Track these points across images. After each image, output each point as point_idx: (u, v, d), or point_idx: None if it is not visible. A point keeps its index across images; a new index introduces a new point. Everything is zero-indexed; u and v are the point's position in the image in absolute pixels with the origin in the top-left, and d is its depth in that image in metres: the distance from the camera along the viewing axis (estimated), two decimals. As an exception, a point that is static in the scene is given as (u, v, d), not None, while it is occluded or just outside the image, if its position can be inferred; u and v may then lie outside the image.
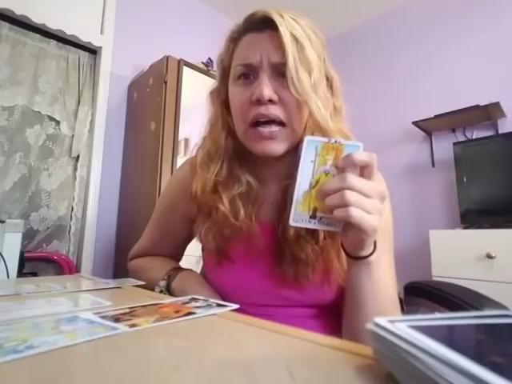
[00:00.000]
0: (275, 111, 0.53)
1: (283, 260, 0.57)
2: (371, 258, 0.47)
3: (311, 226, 0.44)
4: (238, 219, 0.58)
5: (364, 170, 0.42)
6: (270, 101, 0.52)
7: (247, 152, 0.59)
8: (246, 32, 0.57)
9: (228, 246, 0.61)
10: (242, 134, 0.57)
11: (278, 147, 0.55)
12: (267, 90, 0.52)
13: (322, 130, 0.53)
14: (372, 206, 0.41)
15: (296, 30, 0.52)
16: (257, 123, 0.54)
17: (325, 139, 0.44)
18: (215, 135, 0.61)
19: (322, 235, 0.56)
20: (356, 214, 0.39)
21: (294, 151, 0.56)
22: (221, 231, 0.60)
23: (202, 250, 0.72)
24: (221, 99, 0.62)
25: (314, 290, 0.58)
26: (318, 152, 0.44)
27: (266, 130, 0.53)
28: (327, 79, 0.58)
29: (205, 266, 0.69)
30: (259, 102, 0.52)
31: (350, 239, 0.45)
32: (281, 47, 0.51)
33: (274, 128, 0.54)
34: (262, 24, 0.54)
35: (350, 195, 0.39)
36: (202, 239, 0.63)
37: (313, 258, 0.56)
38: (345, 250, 0.48)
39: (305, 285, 0.57)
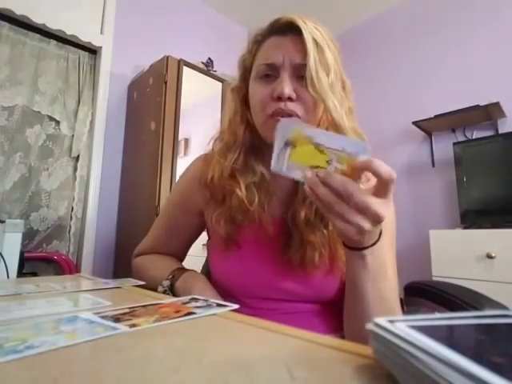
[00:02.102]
0: (293, 107, 0.57)
1: (291, 245, 0.60)
2: (367, 251, 0.46)
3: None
4: (252, 205, 0.61)
5: (378, 185, 0.39)
6: (289, 98, 0.56)
7: (262, 146, 0.64)
8: (270, 35, 0.61)
9: (238, 232, 0.64)
10: (260, 124, 0.61)
11: None
12: (287, 88, 0.56)
13: (337, 127, 0.56)
14: (356, 222, 0.39)
15: (317, 35, 0.56)
16: (275, 115, 0.58)
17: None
18: (234, 128, 0.65)
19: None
20: (339, 225, 0.40)
21: None
22: (233, 217, 0.63)
23: (209, 239, 0.74)
24: (241, 96, 0.66)
25: (318, 280, 0.60)
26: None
27: (282, 118, 0.57)
28: (341, 82, 0.62)
29: (211, 253, 0.71)
30: (279, 98, 0.56)
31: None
32: (302, 50, 0.55)
33: (291, 118, 0.57)
34: (285, 28, 0.59)
35: (335, 206, 0.39)
36: (213, 224, 0.65)
37: (320, 242, 0.58)
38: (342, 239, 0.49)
39: (310, 272, 0.59)
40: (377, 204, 0.39)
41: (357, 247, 0.46)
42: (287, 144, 0.43)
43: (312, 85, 0.54)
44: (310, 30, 0.56)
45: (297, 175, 0.43)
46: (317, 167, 0.42)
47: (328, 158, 0.41)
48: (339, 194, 0.39)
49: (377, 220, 0.40)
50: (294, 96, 0.56)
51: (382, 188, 0.39)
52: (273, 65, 0.58)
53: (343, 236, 0.42)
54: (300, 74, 0.56)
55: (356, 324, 0.53)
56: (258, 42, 0.63)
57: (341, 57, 0.62)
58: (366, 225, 0.40)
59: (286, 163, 0.43)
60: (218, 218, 0.64)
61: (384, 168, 0.38)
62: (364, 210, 0.39)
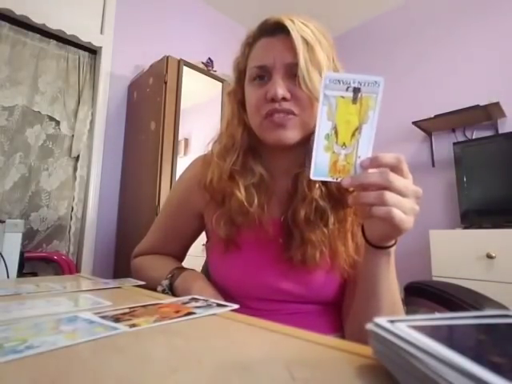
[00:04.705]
0: (288, 106, 0.57)
1: (292, 245, 0.60)
2: (392, 248, 0.47)
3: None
4: (252, 206, 0.61)
5: (395, 169, 0.42)
6: (283, 98, 0.56)
7: (260, 147, 0.65)
8: (260, 37, 0.61)
9: (238, 234, 0.64)
10: (257, 126, 0.61)
11: (290, 135, 0.58)
12: (280, 88, 0.56)
13: None
14: (409, 206, 0.41)
15: (306, 33, 0.56)
16: (271, 115, 0.58)
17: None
18: (232, 131, 0.66)
19: (331, 219, 0.59)
20: (398, 214, 0.40)
21: (302, 146, 0.60)
22: (233, 218, 0.63)
23: (208, 240, 0.74)
24: (237, 99, 0.66)
25: (319, 280, 0.60)
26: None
27: (278, 119, 0.57)
28: None
29: (210, 255, 0.71)
30: (273, 100, 0.56)
31: (379, 232, 0.45)
32: (292, 49, 0.55)
33: (287, 117, 0.57)
34: (274, 29, 0.59)
35: (390, 196, 0.40)
36: (213, 225, 0.65)
37: (320, 240, 0.58)
38: (366, 239, 0.48)
39: (311, 272, 0.59)
40: (409, 183, 0.42)
41: (384, 245, 0.47)
42: (356, 91, 0.42)
43: (304, 84, 0.55)
44: (299, 29, 0.56)
45: (323, 123, 0.43)
46: (336, 131, 0.42)
47: (349, 142, 0.42)
48: (381, 186, 0.41)
49: (418, 197, 0.42)
50: (288, 96, 0.56)
51: (398, 171, 0.42)
52: (264, 67, 0.58)
53: (400, 227, 0.41)
54: (293, 72, 0.56)
55: (363, 322, 0.52)
56: (249, 44, 0.63)
57: (335, 51, 0.62)
58: (416, 206, 0.42)
59: (335, 102, 0.42)
60: (218, 219, 0.64)
61: (388, 156, 0.42)
62: (406, 193, 0.41)
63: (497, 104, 1.97)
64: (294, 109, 0.57)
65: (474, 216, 1.93)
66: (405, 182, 0.41)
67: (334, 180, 0.44)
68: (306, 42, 0.55)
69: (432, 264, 1.78)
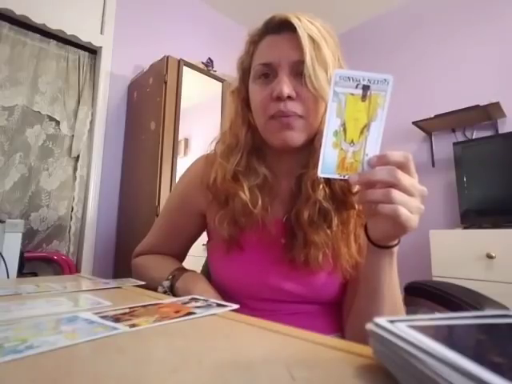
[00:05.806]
0: (293, 107, 0.56)
1: (294, 245, 0.60)
2: (395, 248, 0.47)
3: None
4: (256, 208, 0.60)
5: (402, 167, 0.42)
6: (289, 97, 0.56)
7: (264, 147, 0.64)
8: (265, 35, 0.60)
9: (240, 234, 0.63)
10: (262, 126, 0.61)
11: (296, 137, 0.58)
12: (286, 87, 0.55)
13: None
14: (415, 205, 0.41)
15: (312, 31, 0.56)
16: (277, 117, 0.57)
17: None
18: (235, 130, 0.65)
19: (335, 221, 0.58)
20: (404, 212, 0.40)
21: (306, 147, 0.60)
22: (236, 219, 0.62)
23: (209, 239, 0.74)
24: (241, 98, 0.66)
25: (321, 280, 0.60)
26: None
27: (284, 120, 0.57)
28: None
29: (211, 255, 0.71)
30: (279, 98, 0.56)
31: (383, 231, 0.45)
32: (298, 47, 0.55)
33: (292, 119, 0.57)
34: (280, 27, 0.58)
35: (396, 194, 0.40)
36: (216, 225, 0.64)
37: (323, 241, 0.58)
38: (369, 238, 0.48)
39: (313, 273, 0.59)
40: (415, 182, 0.42)
41: (387, 245, 0.46)
42: (366, 89, 0.42)
43: (310, 82, 0.54)
44: (305, 27, 0.55)
45: (332, 120, 0.42)
46: (344, 128, 0.42)
47: (357, 139, 0.42)
48: (388, 184, 0.41)
49: (424, 196, 0.42)
50: (293, 95, 0.56)
51: (405, 170, 0.41)
52: (270, 64, 0.58)
53: (406, 226, 0.41)
54: (298, 71, 0.56)
55: (364, 322, 0.52)
56: (254, 42, 0.63)
57: (340, 49, 0.62)
58: (421, 205, 0.42)
59: (344, 99, 0.42)
60: (221, 219, 0.64)
61: (396, 154, 0.41)
62: (413, 192, 0.41)
63: (497, 104, 1.97)
64: (299, 109, 0.56)
65: (473, 216, 1.93)
66: (412, 181, 0.41)
67: (342, 177, 0.43)
68: (313, 40, 0.55)
69: (432, 264, 1.78)
